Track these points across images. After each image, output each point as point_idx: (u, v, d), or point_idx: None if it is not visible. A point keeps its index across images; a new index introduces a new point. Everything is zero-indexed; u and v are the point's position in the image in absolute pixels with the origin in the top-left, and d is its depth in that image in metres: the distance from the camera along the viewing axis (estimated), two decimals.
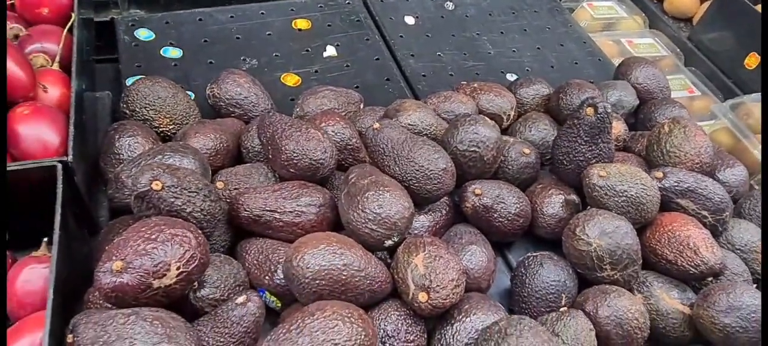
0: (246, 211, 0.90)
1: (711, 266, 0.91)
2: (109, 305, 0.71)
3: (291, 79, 1.32)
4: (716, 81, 1.66)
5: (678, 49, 1.73)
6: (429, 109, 1.12)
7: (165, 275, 0.70)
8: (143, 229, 0.72)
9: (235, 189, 0.96)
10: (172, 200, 0.78)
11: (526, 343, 0.72)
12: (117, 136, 0.97)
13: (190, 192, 0.80)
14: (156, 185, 0.77)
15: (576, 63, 1.55)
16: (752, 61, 1.57)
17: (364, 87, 1.32)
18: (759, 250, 1.05)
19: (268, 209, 0.90)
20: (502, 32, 1.58)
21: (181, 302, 0.77)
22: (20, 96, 0.84)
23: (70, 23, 0.95)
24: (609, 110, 0.99)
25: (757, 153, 1.28)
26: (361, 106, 1.20)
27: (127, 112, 1.04)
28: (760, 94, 1.42)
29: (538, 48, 1.56)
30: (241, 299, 0.76)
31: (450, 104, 1.16)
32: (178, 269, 0.71)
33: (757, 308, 0.84)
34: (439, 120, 1.11)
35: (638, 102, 1.32)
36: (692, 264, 0.92)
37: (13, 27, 0.96)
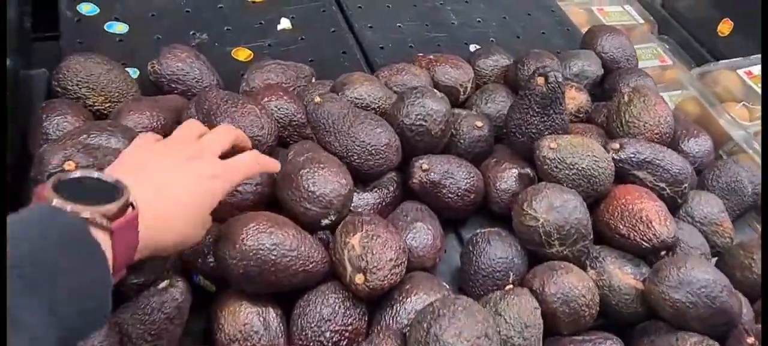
0: None
1: (663, 240, 0.88)
2: None
3: (242, 54, 1.27)
4: (689, 50, 1.61)
5: (651, 18, 1.68)
6: (378, 83, 1.07)
7: None
8: None
9: None
10: None
11: (458, 324, 0.69)
12: (44, 116, 0.92)
13: None
14: (68, 166, 0.72)
15: (543, 33, 1.50)
16: (725, 27, 1.52)
17: (319, 61, 1.26)
18: (719, 222, 1.02)
19: None
20: (466, 1, 1.53)
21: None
22: None
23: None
24: (560, 80, 0.95)
25: (722, 122, 1.24)
26: (313, 80, 1.15)
27: (60, 90, 0.99)
28: (728, 61, 1.38)
29: (504, 17, 1.51)
30: (162, 285, 0.73)
31: (402, 77, 1.11)
32: None
33: (707, 282, 0.81)
34: (388, 93, 1.06)
35: (603, 72, 1.28)
36: (645, 238, 0.89)
37: None
